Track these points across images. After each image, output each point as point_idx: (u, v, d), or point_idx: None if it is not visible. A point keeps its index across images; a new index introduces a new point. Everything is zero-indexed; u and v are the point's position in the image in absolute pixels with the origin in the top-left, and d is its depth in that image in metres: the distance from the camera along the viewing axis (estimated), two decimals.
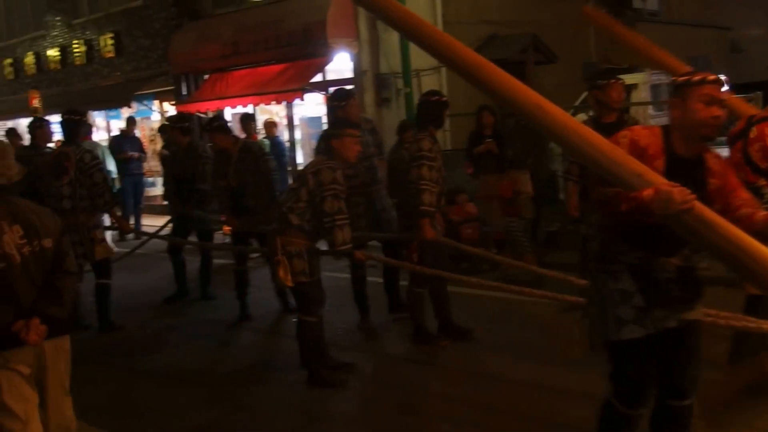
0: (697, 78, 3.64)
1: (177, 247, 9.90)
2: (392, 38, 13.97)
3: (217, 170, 8.72)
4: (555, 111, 3.47)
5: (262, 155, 8.77)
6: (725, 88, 3.71)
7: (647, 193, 3.22)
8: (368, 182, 7.87)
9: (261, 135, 14.43)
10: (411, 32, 4.00)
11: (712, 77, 3.65)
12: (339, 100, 7.69)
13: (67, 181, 8.13)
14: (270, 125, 14.39)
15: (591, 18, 6.85)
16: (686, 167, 3.64)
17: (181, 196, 9.46)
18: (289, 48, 14.81)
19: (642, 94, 15.27)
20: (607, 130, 6.88)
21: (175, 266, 9.97)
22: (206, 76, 17.08)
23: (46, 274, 4.14)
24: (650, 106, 14.69)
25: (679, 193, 3.13)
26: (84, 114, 8.46)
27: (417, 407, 5.96)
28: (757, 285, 3.07)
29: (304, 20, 14.50)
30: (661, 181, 3.24)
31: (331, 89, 15.15)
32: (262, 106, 15.70)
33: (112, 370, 7.37)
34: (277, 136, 14.40)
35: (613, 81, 7.16)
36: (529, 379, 6.27)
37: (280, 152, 13.95)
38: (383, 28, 13.87)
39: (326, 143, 6.55)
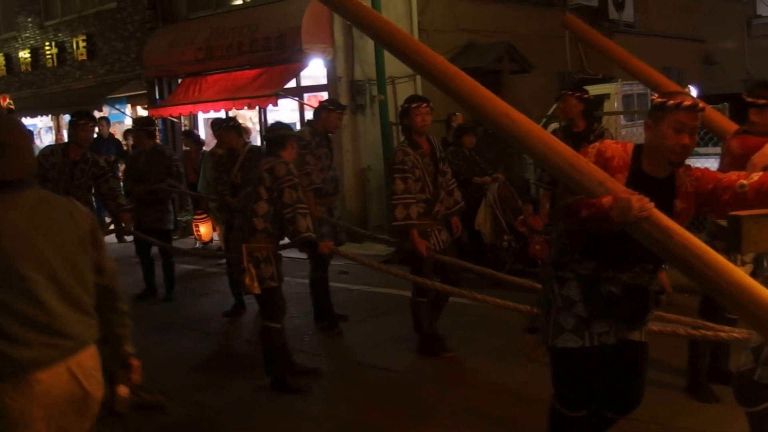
0: (671, 103, 3.61)
1: (146, 248, 10.07)
2: (367, 45, 13.97)
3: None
4: (522, 119, 3.51)
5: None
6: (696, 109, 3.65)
7: (606, 200, 3.26)
8: (332, 192, 8.19)
9: None
10: (385, 40, 4.01)
11: (687, 103, 3.60)
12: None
13: None
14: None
15: (571, 26, 6.92)
16: (652, 185, 3.63)
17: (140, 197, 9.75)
18: (264, 53, 14.76)
19: (614, 104, 15.37)
20: (575, 139, 7.15)
21: (143, 266, 10.18)
22: (180, 80, 16.99)
23: None
24: (622, 116, 14.80)
25: (638, 200, 3.16)
26: (81, 117, 8.46)
27: (383, 413, 5.94)
28: (711, 292, 3.09)
29: (279, 26, 14.45)
30: (622, 189, 3.27)
31: (306, 95, 15.21)
32: (235, 111, 15.64)
33: None
34: (248, 142, 14.13)
35: (563, 93, 7.55)
36: (502, 382, 6.35)
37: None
38: (358, 34, 13.86)
39: (272, 146, 6.50)
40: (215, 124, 12.81)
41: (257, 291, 6.25)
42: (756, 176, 3.54)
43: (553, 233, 4.18)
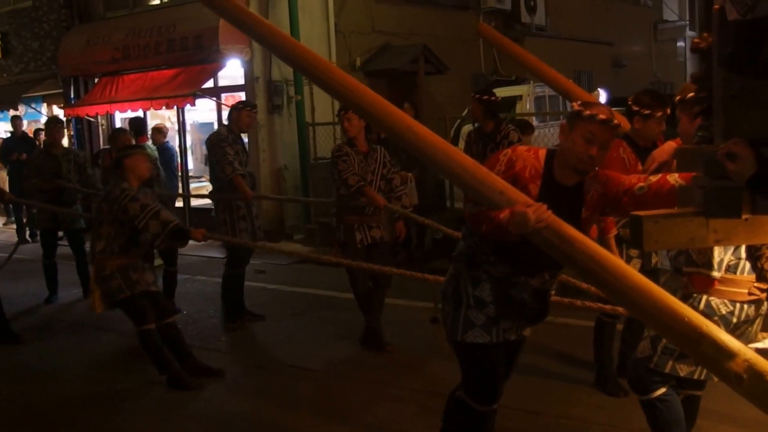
0: (587, 113, 3.67)
1: (50, 251, 10.03)
2: None
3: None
4: (425, 132, 3.50)
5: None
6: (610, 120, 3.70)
7: (504, 215, 3.36)
8: (250, 187, 8.18)
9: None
10: (281, 51, 4.02)
11: (602, 117, 3.65)
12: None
13: None
14: (156, 132, 13.43)
15: (485, 35, 7.19)
16: (561, 193, 3.74)
17: (50, 196, 9.61)
18: (181, 53, 14.77)
19: (526, 106, 15.74)
20: (485, 139, 8.01)
21: (45, 269, 10.05)
22: (96, 80, 16.86)
23: None
24: (534, 117, 15.14)
25: (534, 211, 3.23)
26: None
27: (301, 412, 6.02)
28: (613, 296, 3.26)
29: (197, 26, 14.43)
30: (522, 199, 3.36)
31: (224, 95, 15.26)
32: (152, 110, 15.61)
33: None
34: (166, 142, 13.53)
35: (472, 95, 8.28)
36: (418, 379, 6.51)
37: (169, 159, 12.94)
38: None
39: (117, 164, 6.73)
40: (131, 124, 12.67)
41: (98, 311, 6.59)
42: (654, 179, 3.65)
43: (464, 228, 4.14)
